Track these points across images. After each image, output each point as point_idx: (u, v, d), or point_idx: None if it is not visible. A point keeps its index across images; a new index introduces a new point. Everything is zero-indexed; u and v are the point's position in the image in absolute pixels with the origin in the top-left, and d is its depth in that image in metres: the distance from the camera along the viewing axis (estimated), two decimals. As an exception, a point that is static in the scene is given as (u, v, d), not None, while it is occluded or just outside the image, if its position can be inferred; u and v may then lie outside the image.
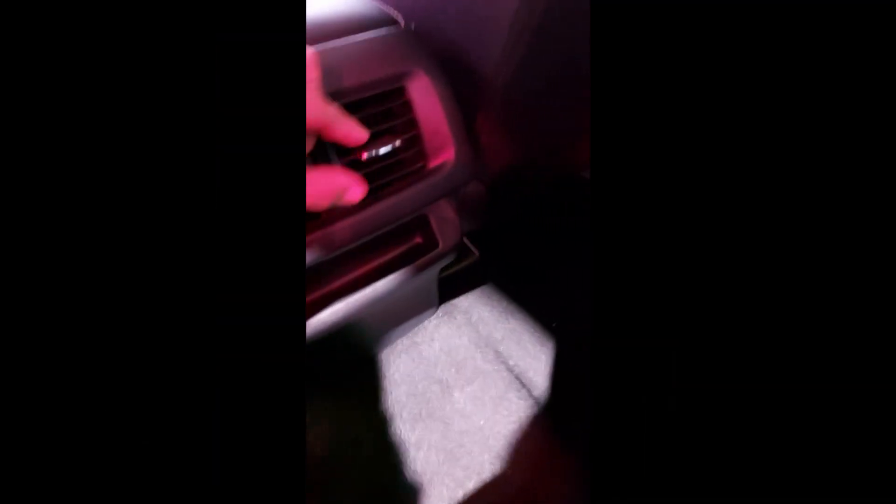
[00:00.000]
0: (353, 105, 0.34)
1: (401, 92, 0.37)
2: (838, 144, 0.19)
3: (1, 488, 0.18)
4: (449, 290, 0.66)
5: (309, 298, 0.42)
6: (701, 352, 0.20)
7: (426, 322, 0.75)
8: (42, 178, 0.19)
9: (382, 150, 0.35)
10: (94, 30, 0.19)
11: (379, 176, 0.36)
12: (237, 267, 0.20)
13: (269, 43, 0.21)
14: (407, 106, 0.38)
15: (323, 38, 0.34)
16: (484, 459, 0.61)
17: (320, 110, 0.27)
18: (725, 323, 0.20)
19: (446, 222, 0.46)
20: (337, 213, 0.36)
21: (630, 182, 0.21)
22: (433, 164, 0.40)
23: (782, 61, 0.19)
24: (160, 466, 0.19)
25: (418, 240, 0.47)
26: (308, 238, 0.34)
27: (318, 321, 0.42)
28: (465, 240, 0.56)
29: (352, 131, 0.30)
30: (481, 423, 0.65)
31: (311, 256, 0.35)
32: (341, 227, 0.35)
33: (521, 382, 0.67)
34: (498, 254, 0.64)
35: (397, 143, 0.36)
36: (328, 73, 0.30)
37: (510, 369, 0.69)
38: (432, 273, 0.53)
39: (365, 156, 0.34)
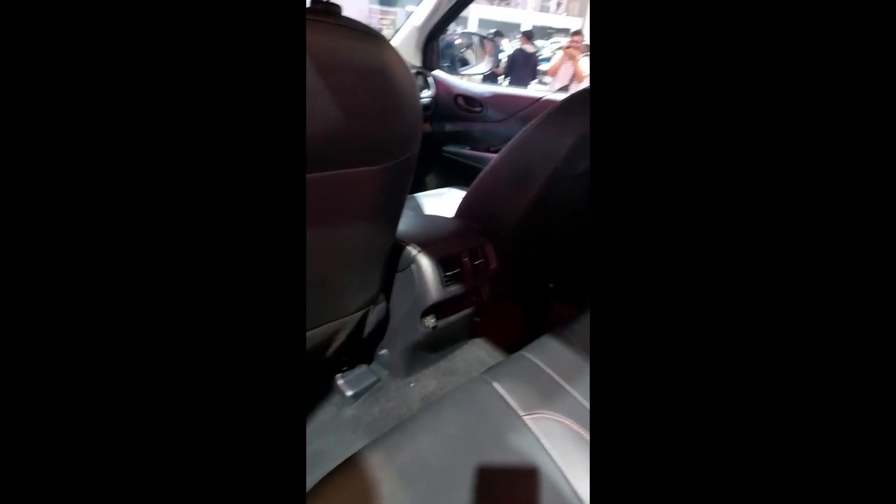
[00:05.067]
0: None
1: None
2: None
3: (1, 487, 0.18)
4: None
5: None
6: (699, 351, 0.20)
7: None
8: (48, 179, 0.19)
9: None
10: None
11: None
12: (241, 268, 0.21)
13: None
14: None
15: None
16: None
17: None
18: (724, 322, 0.20)
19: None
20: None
21: (628, 186, 0.21)
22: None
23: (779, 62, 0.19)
24: (161, 465, 0.19)
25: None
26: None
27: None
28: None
29: None
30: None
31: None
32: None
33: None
34: None
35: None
36: None
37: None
38: None
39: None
